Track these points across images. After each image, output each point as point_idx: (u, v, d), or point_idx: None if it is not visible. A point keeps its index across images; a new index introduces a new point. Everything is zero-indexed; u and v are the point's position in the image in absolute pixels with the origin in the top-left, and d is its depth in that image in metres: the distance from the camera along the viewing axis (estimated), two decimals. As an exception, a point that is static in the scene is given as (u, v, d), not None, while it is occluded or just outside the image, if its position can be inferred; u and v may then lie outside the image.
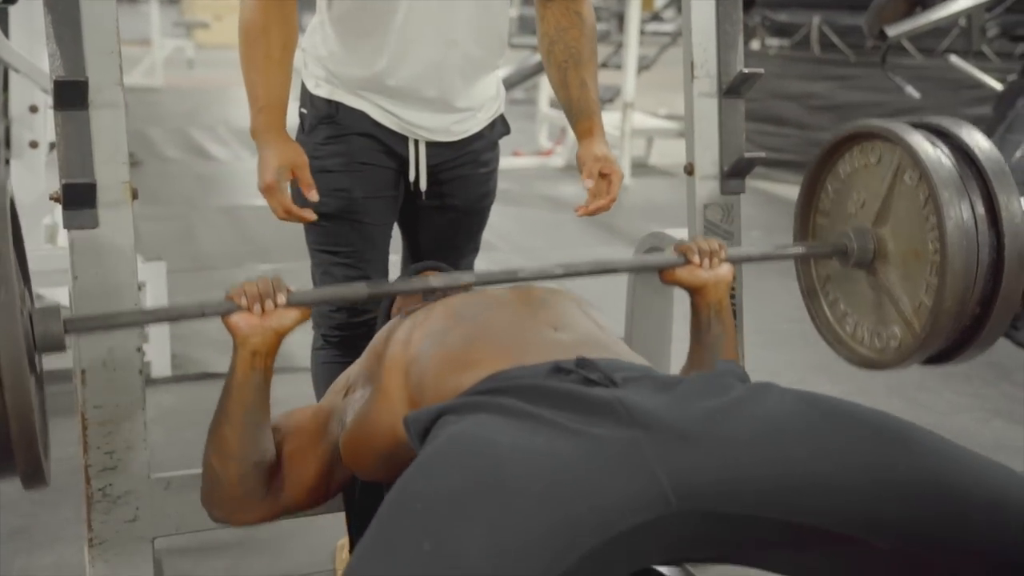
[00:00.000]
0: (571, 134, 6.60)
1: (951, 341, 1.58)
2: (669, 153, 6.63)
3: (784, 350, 3.40)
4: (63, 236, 3.02)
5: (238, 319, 1.39)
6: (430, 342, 1.42)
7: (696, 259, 1.58)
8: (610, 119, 6.10)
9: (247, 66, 1.70)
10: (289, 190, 1.77)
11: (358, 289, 1.51)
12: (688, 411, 1.15)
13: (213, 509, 1.48)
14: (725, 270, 1.61)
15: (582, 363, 1.26)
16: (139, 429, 1.56)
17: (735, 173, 1.83)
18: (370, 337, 1.99)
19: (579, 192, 6.20)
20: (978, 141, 1.54)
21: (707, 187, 1.84)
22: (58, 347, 1.33)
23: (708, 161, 1.84)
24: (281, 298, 1.40)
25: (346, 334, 1.98)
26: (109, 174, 1.50)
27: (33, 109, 2.77)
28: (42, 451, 1.27)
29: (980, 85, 3.83)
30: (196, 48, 11.31)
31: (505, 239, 4.67)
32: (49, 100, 2.79)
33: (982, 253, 1.49)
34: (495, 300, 1.52)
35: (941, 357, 1.63)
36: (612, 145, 6.38)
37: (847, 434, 1.13)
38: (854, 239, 1.66)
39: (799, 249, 1.75)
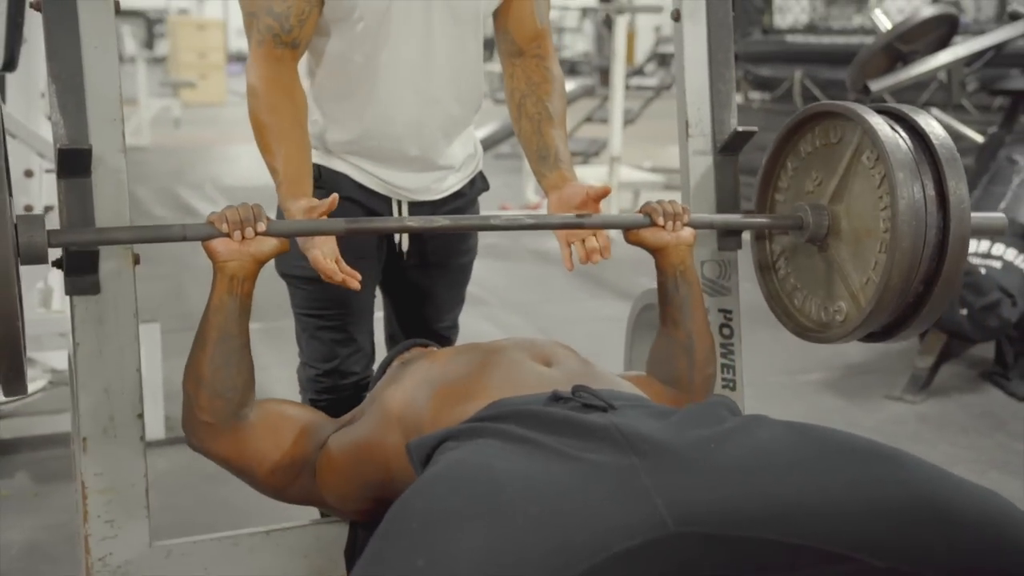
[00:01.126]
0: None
1: (893, 318, 1.64)
2: (655, 206, 6.67)
3: (775, 403, 3.41)
4: (57, 300, 3.02)
5: (218, 244, 1.45)
6: (427, 385, 1.47)
7: (660, 220, 1.64)
8: (597, 173, 6.15)
9: (262, 145, 1.70)
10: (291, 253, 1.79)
11: (336, 224, 1.55)
12: (683, 437, 1.17)
13: (188, 435, 1.54)
14: (687, 233, 1.66)
15: (579, 390, 1.30)
16: (140, 497, 1.55)
17: (732, 231, 1.85)
18: (358, 400, 2.01)
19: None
20: (933, 127, 1.60)
21: (704, 243, 1.86)
22: (40, 258, 1.35)
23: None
24: (261, 225, 1.46)
25: (333, 397, 1.98)
26: (111, 240, 1.50)
27: (28, 174, 2.78)
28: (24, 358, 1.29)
29: (961, 137, 3.89)
30: (182, 107, 11.37)
31: (494, 293, 4.68)
32: (44, 164, 2.82)
33: (929, 234, 1.56)
34: (489, 347, 1.56)
35: (883, 334, 1.69)
36: (599, 199, 6.44)
37: (839, 458, 1.14)
38: (811, 214, 1.71)
39: (759, 219, 1.81)
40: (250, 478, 1.57)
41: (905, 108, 1.65)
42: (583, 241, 1.70)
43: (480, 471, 1.11)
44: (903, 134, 1.60)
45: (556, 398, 1.30)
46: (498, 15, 1.86)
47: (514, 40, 1.87)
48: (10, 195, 1.29)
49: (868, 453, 1.15)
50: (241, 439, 1.52)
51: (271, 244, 1.47)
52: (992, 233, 1.73)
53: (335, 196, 1.57)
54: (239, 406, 1.50)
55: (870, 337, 1.70)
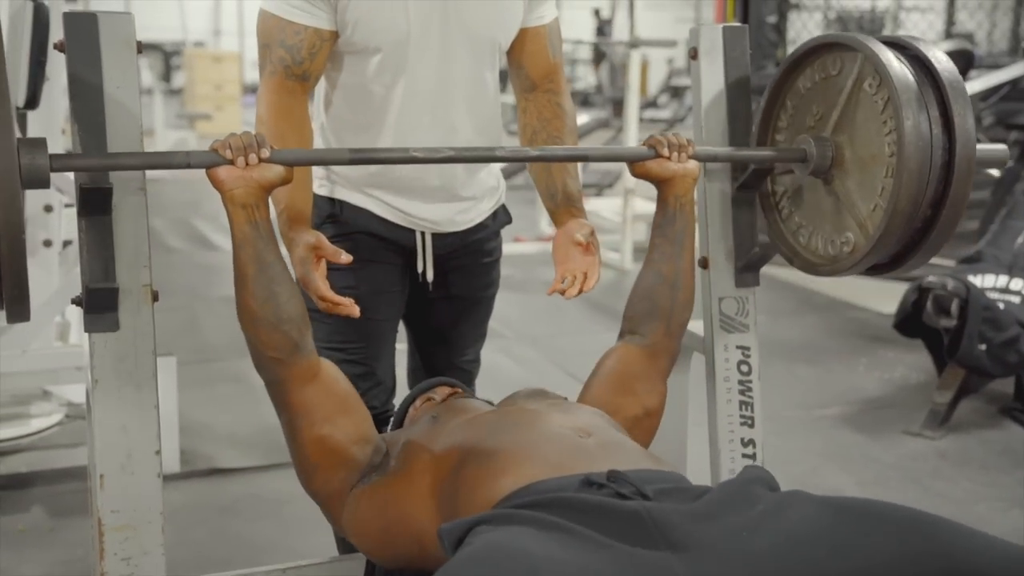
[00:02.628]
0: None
1: (902, 244, 1.63)
2: (669, 238, 6.67)
3: (794, 437, 3.38)
4: (74, 334, 3.03)
5: (222, 171, 1.45)
6: (461, 452, 1.44)
7: (666, 152, 1.65)
8: (611, 204, 6.16)
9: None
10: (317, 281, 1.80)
11: (340, 153, 1.55)
12: (716, 526, 1.16)
13: (260, 370, 1.55)
14: (693, 165, 1.67)
15: (613, 476, 1.27)
16: (157, 534, 1.54)
17: (749, 266, 1.85)
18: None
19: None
20: (938, 56, 1.60)
21: (722, 280, 1.85)
22: (43, 182, 1.34)
23: (722, 255, 1.85)
24: (264, 151, 1.45)
25: None
26: (131, 278, 1.51)
27: (48, 209, 2.80)
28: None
29: (977, 171, 3.88)
30: (198, 139, 11.45)
31: (509, 326, 4.68)
32: (63, 200, 2.84)
33: (935, 155, 1.55)
34: (522, 414, 1.53)
35: (891, 263, 1.68)
36: (613, 231, 6.45)
37: (876, 535, 1.12)
38: (814, 145, 1.70)
39: (764, 152, 1.80)
40: (296, 433, 1.55)
41: (909, 39, 1.64)
42: (583, 276, 1.76)
43: (517, 555, 1.09)
44: (906, 61, 1.60)
45: (589, 483, 1.27)
46: (512, 50, 1.88)
47: (528, 75, 1.89)
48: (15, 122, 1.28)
49: (906, 527, 1.13)
50: (306, 377, 1.53)
51: (275, 171, 1.47)
52: (995, 163, 1.69)
53: (348, 257, 1.64)
54: (299, 335, 1.51)
55: (876, 269, 1.69)
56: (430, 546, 1.37)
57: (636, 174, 1.68)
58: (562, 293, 1.73)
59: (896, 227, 1.57)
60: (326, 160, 1.54)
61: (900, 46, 1.64)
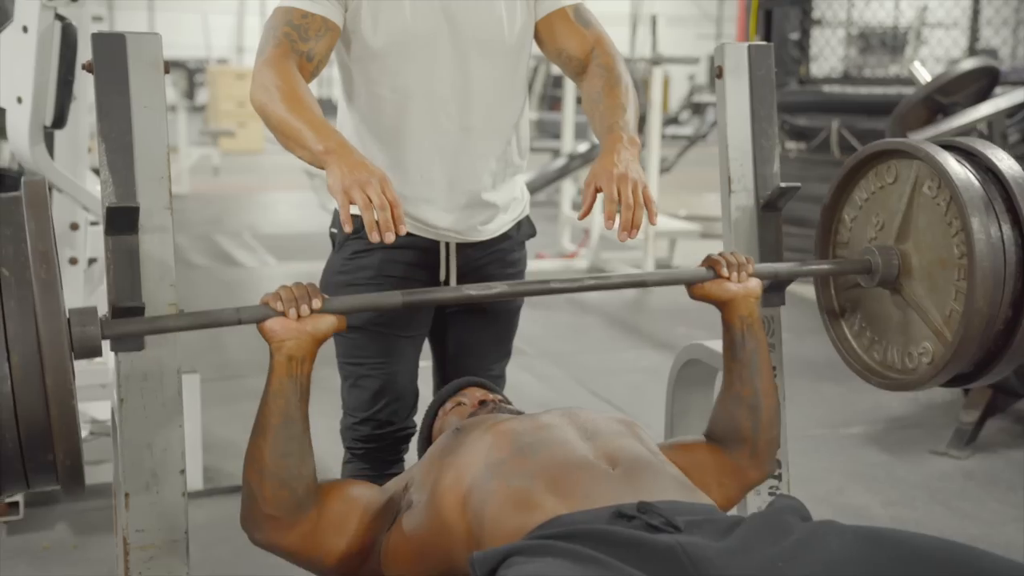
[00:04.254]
0: (594, 236, 6.61)
1: (984, 350, 1.57)
2: (692, 254, 6.65)
3: (819, 456, 3.35)
4: (98, 350, 3.04)
5: (273, 324, 1.40)
6: (490, 474, 1.41)
7: (725, 272, 1.60)
8: (632, 222, 6.14)
9: (286, 126, 1.60)
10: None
11: (393, 297, 1.52)
12: (750, 559, 1.14)
13: (252, 530, 1.48)
14: (754, 283, 1.62)
15: (644, 508, 1.26)
16: (182, 553, 1.54)
17: (775, 286, 1.83)
18: (397, 451, 1.99)
19: (604, 295, 6.23)
20: (992, 150, 1.57)
21: (747, 300, 1.83)
22: (94, 352, 1.32)
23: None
24: (316, 302, 1.42)
25: (371, 447, 1.97)
26: (156, 296, 1.51)
27: (74, 227, 2.82)
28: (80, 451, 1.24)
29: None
30: (221, 155, 11.54)
31: (532, 343, 4.66)
32: (89, 218, 2.86)
33: (1008, 252, 1.51)
34: (552, 431, 1.51)
35: (974, 373, 1.61)
36: (635, 247, 6.44)
37: (910, 567, 1.10)
38: (879, 256, 1.67)
39: (826, 266, 1.76)
40: (318, 569, 1.51)
41: (958, 140, 1.62)
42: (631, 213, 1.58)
43: None
44: (962, 159, 1.58)
45: (620, 515, 1.26)
46: (544, 43, 1.88)
47: (571, 56, 1.86)
48: (60, 286, 1.28)
49: (943, 557, 1.11)
50: (308, 532, 1.46)
51: (329, 321, 1.43)
52: None
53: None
54: (305, 495, 1.44)
55: (960, 379, 1.61)
56: (460, 565, 1.36)
57: (695, 296, 1.62)
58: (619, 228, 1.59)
59: (976, 330, 1.51)
60: (379, 305, 1.50)
61: (951, 147, 1.60)
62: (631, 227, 1.56)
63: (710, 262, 1.62)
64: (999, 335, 1.55)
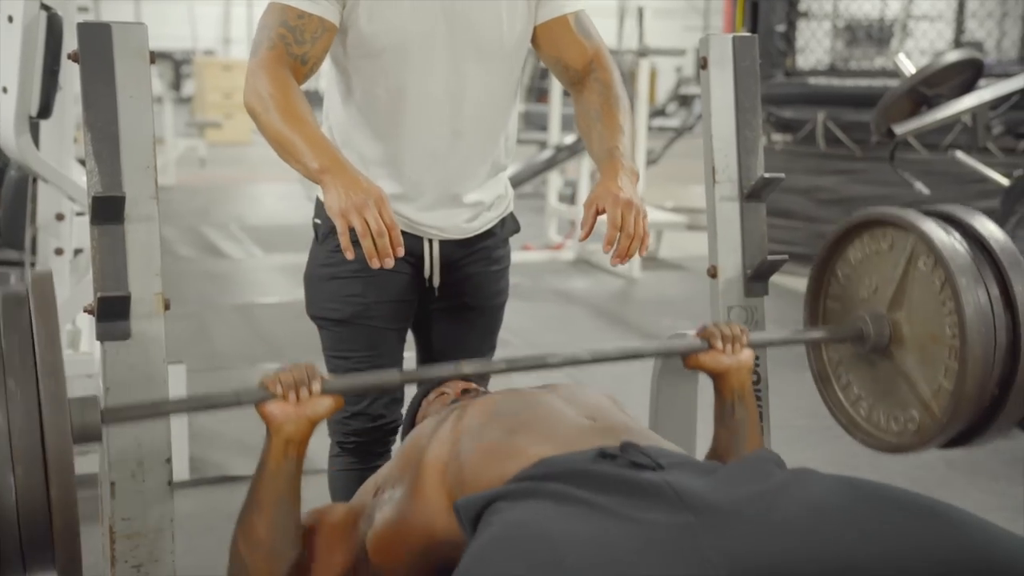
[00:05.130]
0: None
1: (970, 424, 1.60)
2: (679, 246, 6.67)
3: (802, 447, 3.37)
4: (85, 342, 3.04)
5: (273, 407, 1.41)
6: (468, 438, 1.43)
7: (719, 344, 1.61)
8: (619, 214, 6.14)
9: (282, 138, 1.59)
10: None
11: (391, 376, 1.55)
12: (736, 494, 1.16)
13: None
14: (747, 355, 1.64)
15: (627, 447, 1.28)
16: (167, 542, 1.55)
17: (758, 276, 1.85)
18: (386, 444, 2.00)
19: (590, 286, 6.24)
20: (990, 229, 1.58)
21: (731, 290, 1.85)
22: (95, 438, 1.34)
23: (731, 264, 1.85)
24: (316, 386, 1.42)
25: (362, 440, 1.98)
26: (143, 286, 1.51)
27: (59, 217, 2.82)
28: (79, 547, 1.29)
29: (985, 179, 3.87)
30: (208, 147, 11.51)
31: (518, 334, 4.67)
32: (75, 208, 2.86)
33: (999, 336, 1.52)
34: (529, 397, 1.54)
35: (960, 440, 1.64)
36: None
37: (892, 515, 1.13)
38: (871, 323, 1.68)
39: (819, 333, 1.77)
40: None
41: (958, 210, 1.62)
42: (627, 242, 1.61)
43: (539, 535, 1.10)
44: (958, 237, 1.58)
45: (604, 455, 1.28)
46: (543, 49, 1.84)
47: (567, 66, 1.85)
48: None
49: (920, 508, 1.14)
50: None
51: (326, 404, 1.43)
52: None
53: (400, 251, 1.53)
54: (297, 556, 1.46)
55: (949, 444, 1.65)
56: (442, 531, 1.37)
57: (689, 366, 1.64)
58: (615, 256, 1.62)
59: (963, 413, 1.55)
60: (379, 385, 1.52)
61: (948, 219, 1.61)
62: (626, 256, 1.59)
63: (705, 334, 1.63)
64: (985, 410, 1.58)
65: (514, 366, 1.61)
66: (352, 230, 1.51)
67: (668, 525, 1.11)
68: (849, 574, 1.08)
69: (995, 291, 1.53)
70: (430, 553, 1.41)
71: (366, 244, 1.49)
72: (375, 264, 1.50)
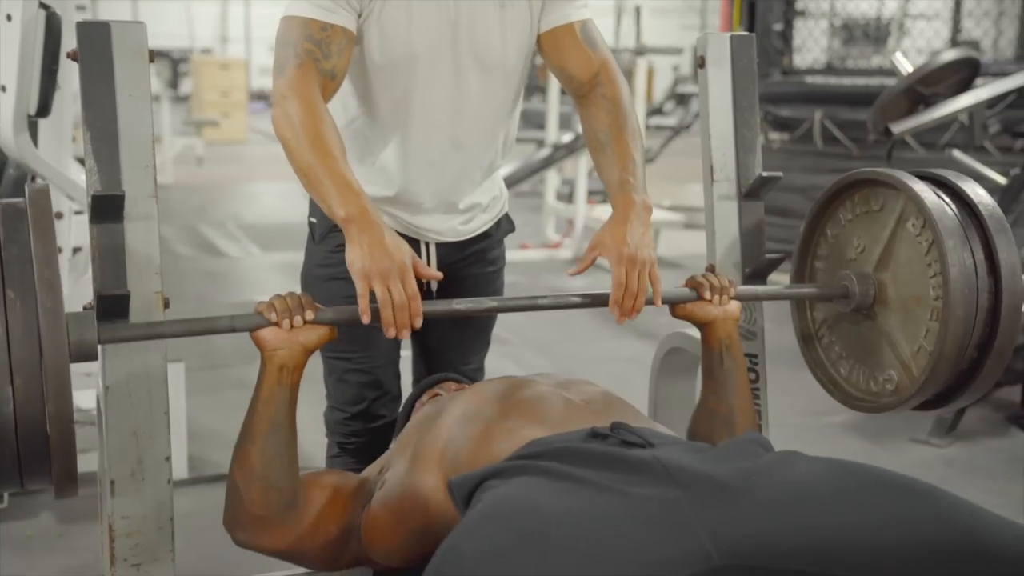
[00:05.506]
0: (578, 226, 6.60)
1: (946, 386, 1.62)
2: (676, 245, 6.68)
3: (800, 445, 3.33)
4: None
5: (266, 333, 1.44)
6: (463, 422, 1.46)
7: (707, 295, 1.64)
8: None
9: (310, 174, 1.55)
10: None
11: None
12: (725, 470, 1.18)
13: (236, 531, 1.52)
14: (734, 307, 1.67)
15: (617, 427, 1.31)
16: (167, 540, 1.55)
17: (757, 274, 1.85)
18: (385, 444, 2.00)
19: (588, 284, 6.23)
20: (979, 194, 1.59)
21: (729, 288, 1.85)
22: (91, 356, 1.36)
23: (729, 263, 1.86)
24: (309, 314, 1.45)
25: (362, 440, 1.98)
26: (142, 284, 1.52)
27: (58, 216, 2.81)
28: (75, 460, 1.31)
29: (982, 178, 3.89)
30: (205, 145, 11.49)
31: (516, 333, 4.68)
32: (73, 207, 2.85)
33: (981, 299, 1.54)
34: (523, 383, 1.57)
35: (936, 402, 1.66)
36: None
37: (879, 492, 1.15)
38: (856, 283, 1.70)
39: (805, 290, 1.79)
40: (301, 560, 1.55)
41: (948, 174, 1.63)
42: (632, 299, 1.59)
43: (527, 509, 1.12)
44: (948, 200, 1.59)
45: (595, 435, 1.30)
46: (549, 57, 1.81)
47: (572, 76, 1.81)
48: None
49: (907, 488, 1.15)
50: (292, 529, 1.49)
51: (320, 332, 1.46)
52: None
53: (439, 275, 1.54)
54: (292, 496, 1.48)
55: (921, 406, 1.67)
56: (437, 512, 1.39)
57: (677, 315, 1.66)
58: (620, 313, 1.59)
59: (941, 373, 1.56)
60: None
61: (940, 182, 1.62)
62: (632, 313, 1.57)
63: (693, 283, 1.65)
64: (963, 373, 1.60)
65: (505, 306, 1.65)
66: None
67: (656, 499, 1.13)
68: (834, 551, 1.09)
69: (980, 255, 1.55)
70: (426, 533, 1.43)
71: (385, 314, 1.46)
72: (391, 335, 1.47)
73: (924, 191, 1.58)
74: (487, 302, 1.65)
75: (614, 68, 1.81)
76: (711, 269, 1.85)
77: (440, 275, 1.58)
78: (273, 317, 1.43)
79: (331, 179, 1.53)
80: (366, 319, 1.48)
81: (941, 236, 1.53)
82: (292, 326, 1.43)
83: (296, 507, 1.49)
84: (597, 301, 1.64)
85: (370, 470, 1.62)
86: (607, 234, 1.61)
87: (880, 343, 1.69)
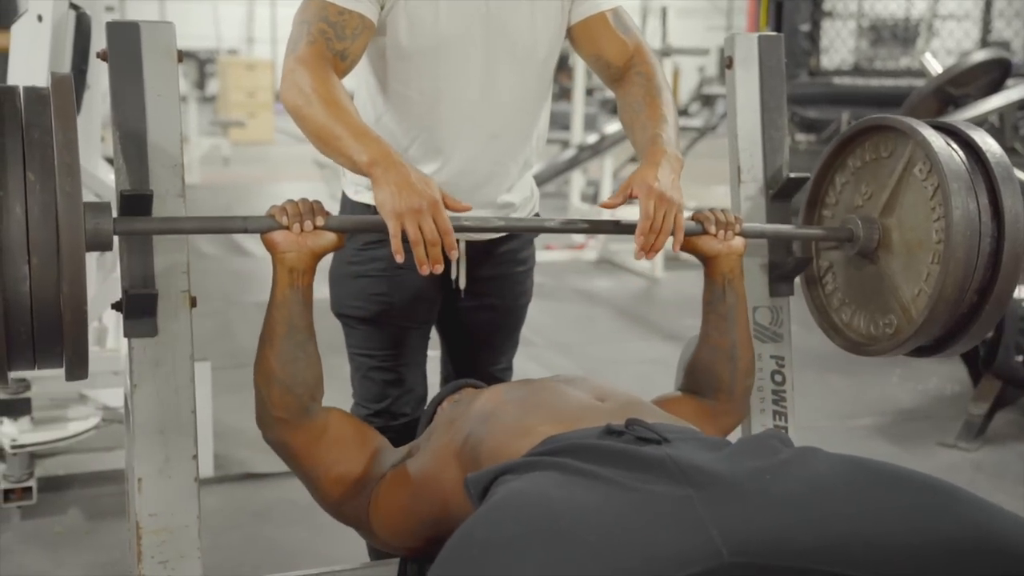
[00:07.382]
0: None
1: (945, 330, 1.63)
2: (701, 246, 6.65)
3: (826, 447, 3.33)
4: (111, 339, 3.07)
5: (277, 235, 1.49)
6: (482, 421, 1.49)
7: (712, 229, 1.65)
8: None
9: (325, 132, 1.55)
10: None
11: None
12: (738, 468, 1.18)
13: (264, 429, 1.59)
14: (738, 242, 1.68)
15: (632, 424, 1.31)
16: (193, 538, 1.56)
17: (784, 276, 1.84)
18: (407, 442, 2.01)
19: (612, 286, 6.22)
20: (988, 143, 1.60)
21: (756, 290, 1.84)
22: (106, 245, 1.38)
23: (756, 265, 1.85)
24: (319, 219, 1.49)
25: (386, 437, 1.98)
26: (169, 283, 1.53)
27: (87, 214, 2.83)
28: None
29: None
30: (231, 145, 11.56)
31: (540, 333, 4.68)
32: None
33: (983, 243, 1.55)
34: (541, 383, 1.60)
35: (933, 347, 1.67)
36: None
37: (894, 490, 1.14)
38: (861, 226, 1.71)
39: (810, 231, 1.81)
40: (313, 482, 1.61)
41: (959, 123, 1.64)
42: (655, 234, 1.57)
43: (538, 500, 1.13)
44: (957, 148, 1.60)
45: (610, 431, 1.31)
46: (582, 47, 1.82)
47: (609, 63, 1.81)
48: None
49: (923, 486, 1.15)
50: (313, 439, 1.57)
51: (329, 238, 1.50)
52: None
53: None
54: (310, 400, 1.55)
55: (920, 351, 1.68)
56: (455, 507, 1.41)
57: (682, 248, 1.66)
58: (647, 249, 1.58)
59: (940, 315, 1.57)
60: (378, 225, 1.49)
61: (950, 131, 1.63)
62: (651, 250, 1.57)
63: (699, 217, 1.66)
64: (962, 317, 1.61)
65: (513, 225, 1.73)
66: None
67: (667, 495, 1.13)
68: (848, 548, 1.08)
69: (984, 201, 1.55)
70: (437, 524, 1.46)
71: (418, 252, 1.46)
72: (424, 271, 1.47)
73: (933, 137, 1.59)
74: (494, 221, 1.68)
75: (648, 50, 1.82)
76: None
77: (469, 206, 1.54)
78: (284, 220, 1.47)
79: (347, 130, 1.53)
80: (399, 258, 1.48)
81: (946, 179, 1.53)
82: (302, 230, 1.47)
83: (315, 417, 1.56)
84: (598, 228, 1.74)
85: (400, 448, 1.66)
86: (638, 174, 1.60)
87: (882, 288, 1.71)
